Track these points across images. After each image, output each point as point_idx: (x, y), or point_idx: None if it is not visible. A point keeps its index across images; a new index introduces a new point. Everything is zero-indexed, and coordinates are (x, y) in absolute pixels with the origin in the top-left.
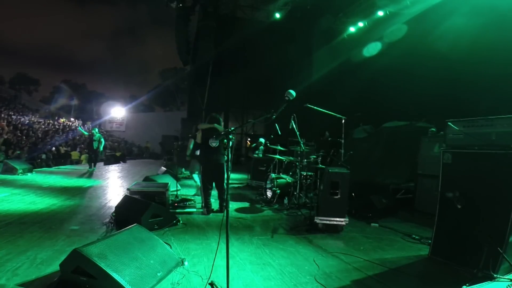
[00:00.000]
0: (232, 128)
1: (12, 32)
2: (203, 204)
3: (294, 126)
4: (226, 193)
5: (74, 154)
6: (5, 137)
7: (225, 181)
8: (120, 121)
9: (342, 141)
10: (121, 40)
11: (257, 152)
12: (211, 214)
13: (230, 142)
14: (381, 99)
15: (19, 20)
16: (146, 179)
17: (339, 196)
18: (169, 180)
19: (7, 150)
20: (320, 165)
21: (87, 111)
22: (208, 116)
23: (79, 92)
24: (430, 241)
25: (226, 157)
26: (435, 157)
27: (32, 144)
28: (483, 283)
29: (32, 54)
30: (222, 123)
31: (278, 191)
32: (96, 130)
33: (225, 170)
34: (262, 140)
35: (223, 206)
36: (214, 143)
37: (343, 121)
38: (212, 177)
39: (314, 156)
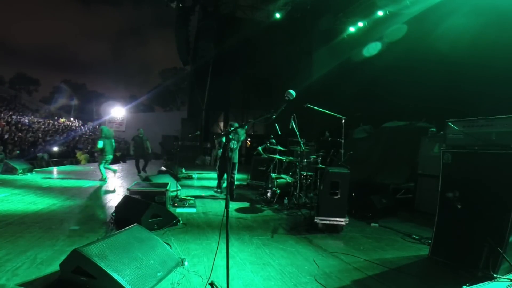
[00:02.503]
0: (232, 129)
1: (13, 32)
2: (217, 186)
3: (294, 126)
4: (226, 193)
5: (78, 154)
6: (6, 136)
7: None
8: (120, 121)
9: (342, 141)
10: (122, 41)
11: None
12: (211, 214)
13: (234, 141)
14: (381, 99)
15: (20, 20)
16: (146, 179)
17: (339, 196)
18: (169, 180)
19: (4, 149)
20: (320, 165)
21: (87, 111)
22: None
23: (79, 92)
24: (430, 241)
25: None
26: (435, 157)
27: (32, 144)
28: (483, 283)
29: (32, 54)
30: (235, 127)
31: (278, 191)
32: (142, 130)
33: (236, 167)
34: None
35: (232, 195)
36: (232, 146)
37: (343, 121)
38: (226, 169)
39: (314, 156)
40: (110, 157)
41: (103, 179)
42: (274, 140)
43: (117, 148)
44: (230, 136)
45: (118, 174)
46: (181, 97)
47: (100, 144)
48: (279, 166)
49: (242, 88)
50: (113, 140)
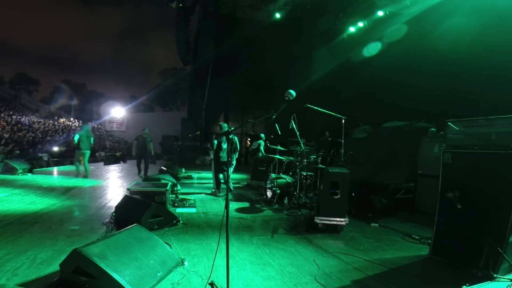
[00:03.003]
0: (232, 128)
1: (13, 32)
2: (214, 187)
3: (294, 126)
4: (226, 192)
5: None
6: (6, 136)
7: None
8: (120, 121)
9: (342, 141)
10: (122, 41)
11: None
12: (211, 214)
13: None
14: (381, 99)
15: (20, 20)
16: (146, 179)
17: (339, 196)
18: (169, 180)
19: (4, 149)
20: (320, 165)
21: (87, 111)
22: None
23: (79, 92)
24: (430, 241)
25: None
26: (435, 157)
27: (32, 144)
28: (483, 283)
29: (32, 54)
30: (224, 128)
31: (278, 191)
32: (147, 130)
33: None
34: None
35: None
36: (224, 146)
37: (343, 121)
38: (222, 169)
39: (314, 156)
40: (87, 152)
41: (83, 172)
42: (263, 135)
43: (117, 148)
44: (230, 137)
45: (118, 174)
46: (181, 97)
47: (76, 137)
48: (279, 166)
49: (242, 88)
50: (91, 138)
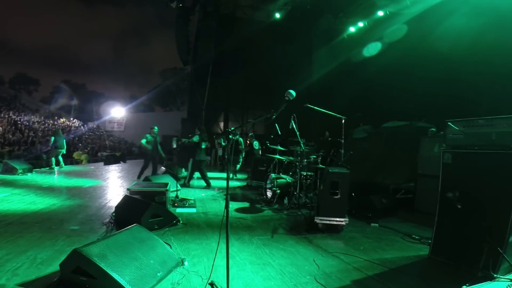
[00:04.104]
0: (232, 128)
1: (13, 32)
2: (188, 180)
3: (294, 126)
4: (226, 192)
5: (76, 155)
6: (6, 136)
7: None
8: (120, 121)
9: (342, 141)
10: (122, 41)
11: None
12: (211, 214)
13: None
14: (381, 99)
15: (20, 20)
16: (146, 179)
17: (339, 196)
18: (169, 180)
19: (3, 147)
20: (320, 165)
21: (87, 111)
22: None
23: (79, 92)
24: (430, 241)
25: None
26: (435, 157)
27: (32, 144)
28: (483, 283)
29: (32, 54)
30: (201, 134)
31: (278, 191)
32: (156, 128)
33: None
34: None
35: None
36: (203, 146)
37: (343, 121)
38: (198, 167)
39: (314, 156)
40: (62, 150)
41: (52, 168)
42: (252, 134)
43: (117, 148)
44: (235, 138)
45: (118, 174)
46: (181, 97)
47: (52, 139)
48: (279, 166)
49: (242, 88)
50: (64, 140)
